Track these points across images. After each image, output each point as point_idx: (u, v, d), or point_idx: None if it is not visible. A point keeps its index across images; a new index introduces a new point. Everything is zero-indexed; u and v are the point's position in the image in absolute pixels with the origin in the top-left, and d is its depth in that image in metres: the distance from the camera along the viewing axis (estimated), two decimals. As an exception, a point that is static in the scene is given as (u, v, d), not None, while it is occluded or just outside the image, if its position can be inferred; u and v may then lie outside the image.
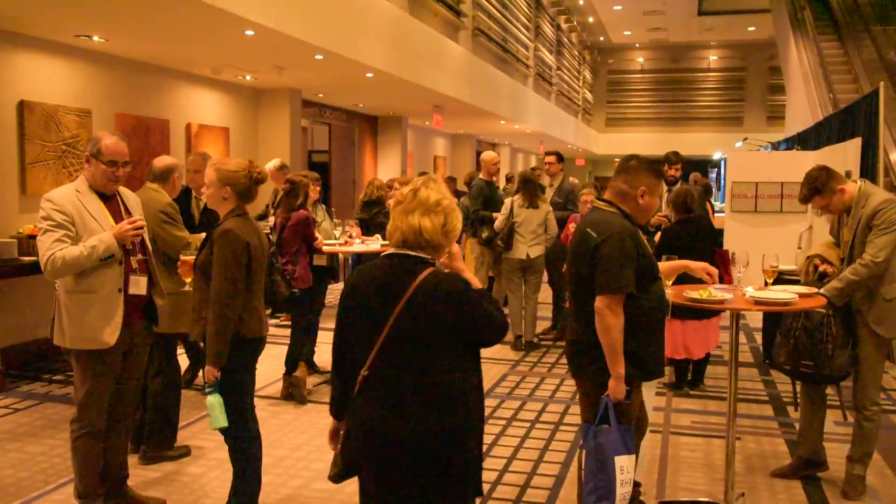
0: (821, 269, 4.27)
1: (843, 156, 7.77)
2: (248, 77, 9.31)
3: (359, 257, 7.10)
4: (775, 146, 14.51)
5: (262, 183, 3.48)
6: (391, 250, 2.46)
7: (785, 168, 9.31)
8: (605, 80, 29.49)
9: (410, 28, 9.89)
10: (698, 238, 5.70)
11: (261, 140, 10.49)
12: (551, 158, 8.25)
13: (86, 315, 3.46)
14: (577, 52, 25.25)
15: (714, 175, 25.86)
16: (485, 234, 7.74)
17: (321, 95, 11.39)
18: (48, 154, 6.88)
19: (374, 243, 6.38)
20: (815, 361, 3.98)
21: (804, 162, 9.28)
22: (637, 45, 28.55)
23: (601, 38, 27.47)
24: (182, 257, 3.76)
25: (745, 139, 17.78)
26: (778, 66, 24.58)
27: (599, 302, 3.05)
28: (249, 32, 6.56)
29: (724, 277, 5.83)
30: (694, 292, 3.62)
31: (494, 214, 7.68)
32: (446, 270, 2.48)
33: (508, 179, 14.57)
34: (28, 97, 6.73)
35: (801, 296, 3.70)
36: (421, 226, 2.38)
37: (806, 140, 10.94)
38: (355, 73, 8.97)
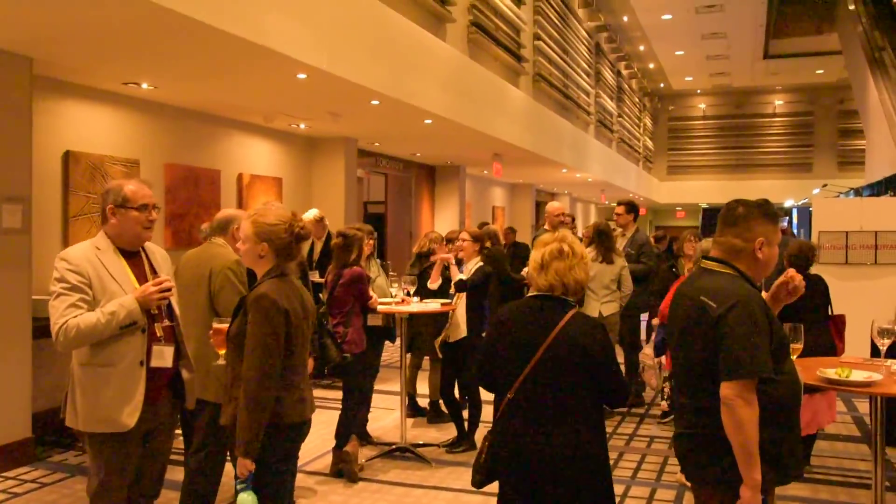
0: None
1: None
2: (301, 125, 8.97)
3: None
4: (857, 192, 13.60)
5: (306, 239, 2.96)
6: (535, 293, 2.86)
7: (878, 216, 8.54)
8: (665, 127, 28.77)
9: (470, 72, 9.47)
10: (809, 298, 4.96)
11: (315, 191, 10.12)
12: (621, 209, 7.64)
13: (102, 392, 2.96)
14: (637, 99, 24.67)
15: (785, 223, 24.72)
16: (552, 290, 7.11)
17: (377, 144, 11.01)
18: (93, 206, 6.53)
19: (434, 303, 5.81)
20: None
21: (903, 208, 8.51)
22: (698, 91, 27.82)
23: (661, 85, 26.85)
24: (215, 325, 3.23)
25: (825, 185, 16.84)
26: (849, 109, 23.60)
27: (728, 390, 2.41)
28: (301, 76, 6.16)
29: (838, 346, 5.08)
30: (831, 370, 2.95)
31: (563, 268, 7.08)
32: None
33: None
34: (74, 147, 6.44)
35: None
36: (580, 279, 2.82)
37: (897, 185, 10.11)
38: (413, 119, 8.54)
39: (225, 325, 3.05)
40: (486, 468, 2.88)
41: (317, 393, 7.08)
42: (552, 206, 7.71)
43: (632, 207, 7.59)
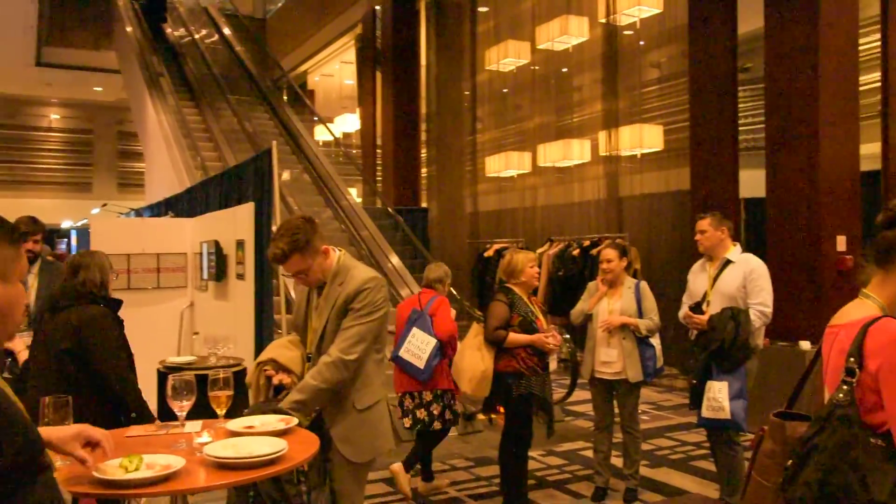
0: (275, 380, 3.07)
1: (234, 222, 6.89)
2: None
3: None
4: (138, 213, 13.20)
5: None
6: None
7: (160, 238, 8.13)
8: (-80, 132, 24.13)
9: None
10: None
11: None
12: None
13: None
14: None
15: (63, 247, 23.17)
16: None
17: None
18: None
19: None
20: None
21: (184, 229, 8.23)
22: (-37, 94, 24.18)
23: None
24: None
25: (105, 205, 16.11)
26: (129, 130, 23.51)
27: None
28: None
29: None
30: (114, 462, 1.96)
31: None
32: None
33: None
34: None
35: (284, 435, 2.38)
36: None
37: (177, 206, 9.90)
38: None
39: None
40: None
41: None
42: None
43: None
